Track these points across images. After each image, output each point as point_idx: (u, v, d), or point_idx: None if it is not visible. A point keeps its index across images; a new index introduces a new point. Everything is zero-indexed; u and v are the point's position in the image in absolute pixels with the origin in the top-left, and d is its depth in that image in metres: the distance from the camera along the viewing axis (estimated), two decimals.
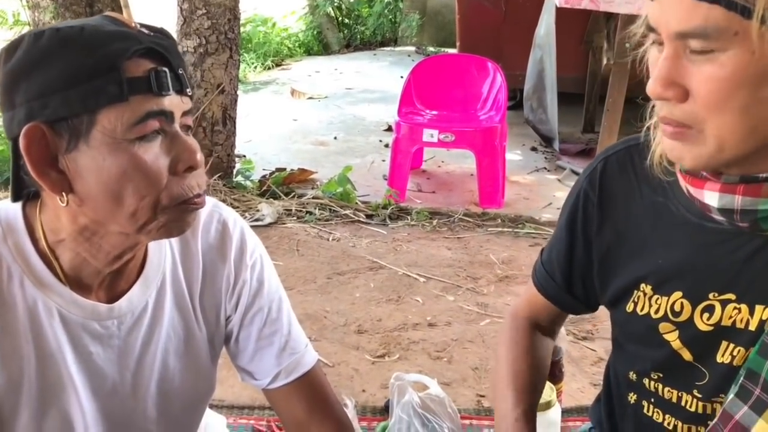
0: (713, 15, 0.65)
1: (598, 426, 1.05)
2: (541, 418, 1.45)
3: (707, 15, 0.65)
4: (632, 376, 0.91)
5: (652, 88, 0.71)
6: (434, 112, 3.78)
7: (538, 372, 1.00)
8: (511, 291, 2.55)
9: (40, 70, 0.72)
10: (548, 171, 3.97)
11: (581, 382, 1.96)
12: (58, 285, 0.81)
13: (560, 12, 3.87)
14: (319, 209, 3.22)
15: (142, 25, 0.78)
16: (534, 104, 4.40)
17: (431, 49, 7.36)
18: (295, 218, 3.16)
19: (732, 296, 0.78)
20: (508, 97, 3.78)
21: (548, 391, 1.46)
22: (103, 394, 0.87)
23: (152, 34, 0.77)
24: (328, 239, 2.99)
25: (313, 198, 3.32)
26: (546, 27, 4.11)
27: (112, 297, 0.86)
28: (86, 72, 0.71)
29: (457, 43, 5.15)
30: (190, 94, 0.80)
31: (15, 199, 0.82)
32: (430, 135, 3.35)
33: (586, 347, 2.14)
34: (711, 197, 0.76)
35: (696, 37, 0.67)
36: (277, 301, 0.99)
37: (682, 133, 0.72)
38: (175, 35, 3.27)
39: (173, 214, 0.79)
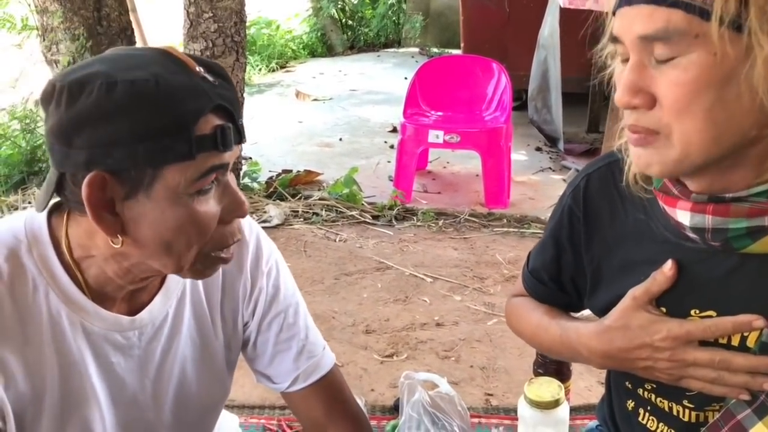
0: (674, 18, 0.67)
1: (603, 424, 1.06)
2: (550, 415, 1.46)
3: (668, 18, 0.67)
4: (628, 384, 0.93)
5: (619, 96, 0.73)
6: (439, 113, 3.79)
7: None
8: None
9: (109, 122, 0.71)
10: (553, 171, 3.98)
11: (588, 381, 1.97)
12: (81, 298, 0.82)
13: (564, 13, 3.88)
14: (325, 210, 3.24)
15: (200, 63, 0.76)
16: (538, 105, 4.41)
17: (435, 50, 7.36)
18: (302, 219, 3.18)
19: (713, 313, 0.80)
20: (513, 98, 3.80)
21: (557, 390, 1.47)
22: (124, 403, 0.89)
23: (216, 82, 0.75)
24: (335, 240, 3.00)
25: (319, 199, 3.34)
26: (550, 28, 4.12)
27: (134, 308, 0.87)
28: (157, 130, 0.71)
29: (462, 45, 5.16)
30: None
31: (41, 210, 0.82)
32: (435, 136, 3.37)
33: None
34: (683, 216, 0.77)
35: (659, 40, 0.69)
36: (294, 305, 1.01)
37: (648, 138, 0.73)
38: (181, 38, 3.29)
39: (208, 263, 0.81)
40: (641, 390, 0.91)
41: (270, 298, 0.98)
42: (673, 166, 0.74)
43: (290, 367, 0.99)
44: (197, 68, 0.75)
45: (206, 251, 0.79)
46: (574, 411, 1.65)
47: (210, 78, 0.75)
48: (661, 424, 0.90)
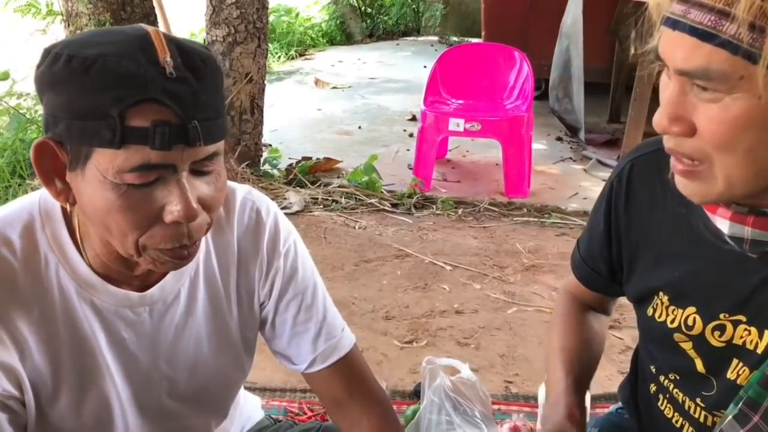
0: (716, 58, 0.63)
1: (625, 405, 1.07)
2: None
3: (710, 57, 0.63)
4: (652, 368, 0.93)
5: (658, 121, 0.70)
6: (460, 102, 3.77)
7: (589, 346, 1.03)
8: (538, 280, 2.56)
9: (52, 93, 0.72)
10: (574, 161, 3.95)
11: (609, 370, 1.97)
12: (91, 275, 0.83)
13: (587, 1, 3.84)
14: (345, 198, 3.25)
15: (181, 51, 0.72)
16: (560, 94, 4.38)
17: (454, 38, 7.32)
18: (321, 206, 3.19)
19: (743, 318, 0.79)
20: (534, 87, 3.77)
21: None
22: (137, 379, 0.90)
23: (174, 75, 0.70)
24: (354, 227, 3.01)
25: (339, 187, 3.35)
26: (573, 16, 4.08)
27: (146, 285, 0.88)
28: (84, 111, 0.70)
29: (483, 33, 5.13)
30: (208, 142, 0.73)
31: None
32: (456, 124, 3.35)
33: (613, 336, 2.15)
34: (722, 224, 0.76)
35: (698, 78, 0.65)
36: (312, 287, 1.00)
37: (693, 172, 0.71)
38: (204, 24, 3.30)
39: (159, 257, 0.77)
40: (663, 377, 0.91)
41: (287, 279, 0.98)
42: (716, 198, 0.72)
43: (308, 349, 0.99)
44: (166, 58, 0.70)
45: (146, 245, 0.76)
46: (595, 400, 1.65)
47: (170, 71, 0.70)
48: (676, 414, 0.90)
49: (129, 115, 0.69)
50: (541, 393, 1.50)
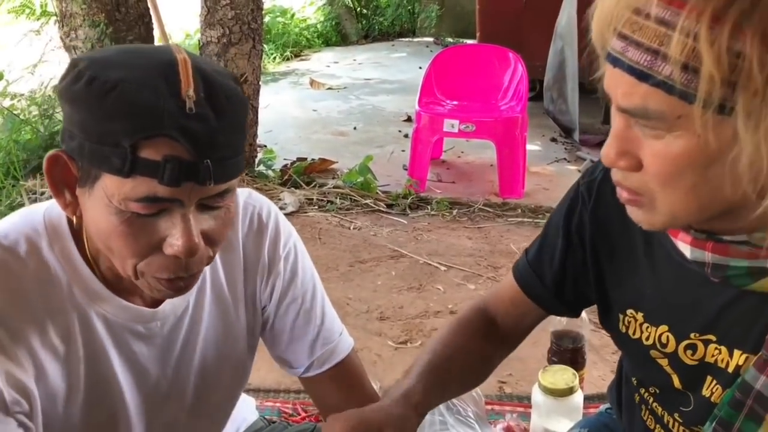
0: (654, 97, 0.62)
1: (613, 407, 1.07)
2: (564, 403, 1.47)
3: (648, 96, 0.63)
4: (634, 381, 0.93)
5: (605, 154, 0.69)
6: (455, 103, 3.78)
7: (457, 374, 0.95)
8: None
9: (71, 109, 0.72)
10: (568, 162, 3.96)
11: (602, 370, 1.98)
12: (103, 290, 0.83)
13: (582, 2, 3.85)
14: (339, 198, 3.25)
15: (206, 83, 0.70)
16: (554, 95, 4.39)
17: (450, 39, 7.33)
18: (316, 207, 3.19)
19: (713, 337, 0.78)
20: (528, 88, 3.78)
21: (571, 377, 1.48)
22: (147, 390, 0.90)
23: (193, 111, 0.69)
24: (349, 228, 3.02)
25: (334, 187, 3.35)
26: (567, 17, 4.09)
27: (155, 298, 0.87)
28: (97, 135, 0.69)
29: (477, 34, 5.14)
30: (219, 182, 0.73)
31: None
32: (450, 125, 3.36)
33: (606, 336, 2.15)
34: (684, 248, 0.75)
35: (638, 116, 0.65)
36: (311, 290, 1.01)
37: (636, 200, 0.71)
38: (198, 25, 3.30)
39: (155, 284, 0.78)
40: (644, 390, 0.91)
41: (287, 283, 0.98)
42: (660, 226, 0.72)
43: (305, 353, 1.00)
44: (189, 91, 0.69)
45: (144, 271, 0.76)
46: (588, 399, 1.65)
47: (190, 106, 0.69)
48: (657, 426, 0.90)
49: (141, 146, 0.68)
50: (535, 392, 1.50)
